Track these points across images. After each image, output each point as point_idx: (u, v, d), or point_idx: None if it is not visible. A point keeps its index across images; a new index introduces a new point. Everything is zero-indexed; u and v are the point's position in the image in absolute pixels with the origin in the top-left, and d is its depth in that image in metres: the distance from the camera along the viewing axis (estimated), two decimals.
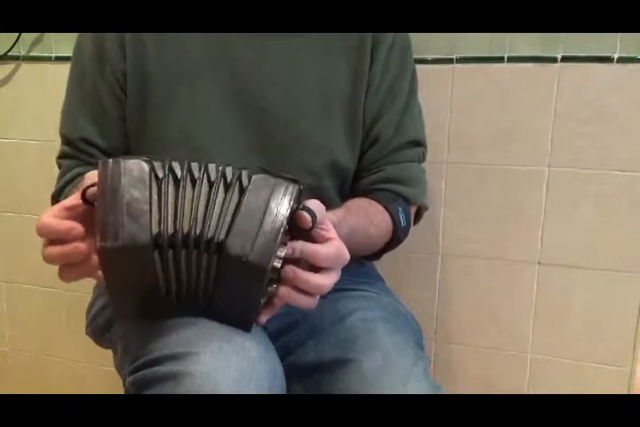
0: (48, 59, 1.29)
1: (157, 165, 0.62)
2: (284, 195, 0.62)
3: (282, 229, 0.60)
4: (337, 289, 0.85)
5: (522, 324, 1.13)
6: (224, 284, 0.63)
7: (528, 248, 1.11)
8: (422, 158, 0.95)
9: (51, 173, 1.26)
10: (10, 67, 1.32)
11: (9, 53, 1.30)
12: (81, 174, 0.84)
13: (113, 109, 0.86)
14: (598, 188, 1.05)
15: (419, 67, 0.95)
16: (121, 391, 0.75)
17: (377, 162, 0.90)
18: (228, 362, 0.63)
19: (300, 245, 0.63)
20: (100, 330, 0.89)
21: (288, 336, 0.81)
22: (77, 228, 0.60)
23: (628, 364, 1.09)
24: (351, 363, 0.74)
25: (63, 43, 1.26)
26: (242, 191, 0.63)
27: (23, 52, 1.30)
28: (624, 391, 1.09)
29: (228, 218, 0.62)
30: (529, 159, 1.08)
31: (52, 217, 0.60)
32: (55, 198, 0.88)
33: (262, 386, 0.64)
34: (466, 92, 1.09)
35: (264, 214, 0.61)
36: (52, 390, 1.45)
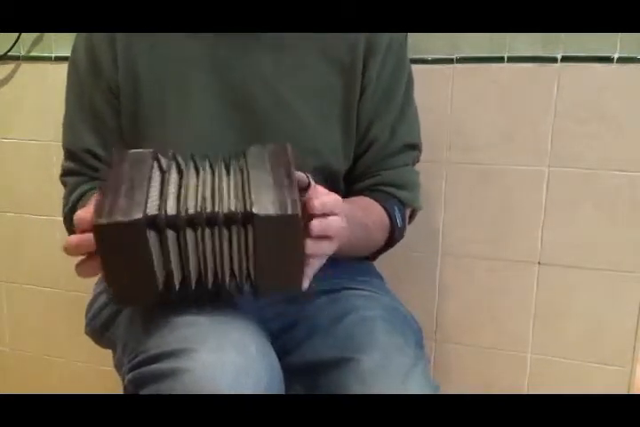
0: (48, 59, 1.29)
1: (162, 157, 0.66)
2: (281, 155, 0.67)
3: (295, 180, 0.64)
4: (336, 288, 0.86)
5: (522, 324, 1.14)
6: (263, 250, 0.63)
7: (528, 248, 1.11)
8: (416, 161, 0.95)
9: (50, 173, 1.26)
10: (10, 67, 1.32)
11: (9, 53, 1.30)
12: (88, 191, 0.85)
13: (112, 121, 0.86)
14: (598, 188, 1.05)
15: (419, 67, 0.95)
16: (121, 391, 0.75)
17: (372, 167, 0.90)
18: (225, 358, 0.63)
19: (312, 199, 0.64)
20: (99, 329, 0.89)
21: (287, 336, 0.81)
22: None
23: (628, 364, 1.09)
24: (350, 362, 0.74)
25: (63, 43, 1.26)
26: (242, 167, 0.67)
27: (23, 52, 1.30)
28: (624, 391, 1.10)
29: (241, 191, 0.64)
30: (529, 159, 1.08)
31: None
32: (68, 220, 0.87)
33: (260, 382, 0.64)
34: (466, 92, 1.09)
35: (272, 174, 0.65)
36: (52, 390, 1.45)
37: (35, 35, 1.28)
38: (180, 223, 0.62)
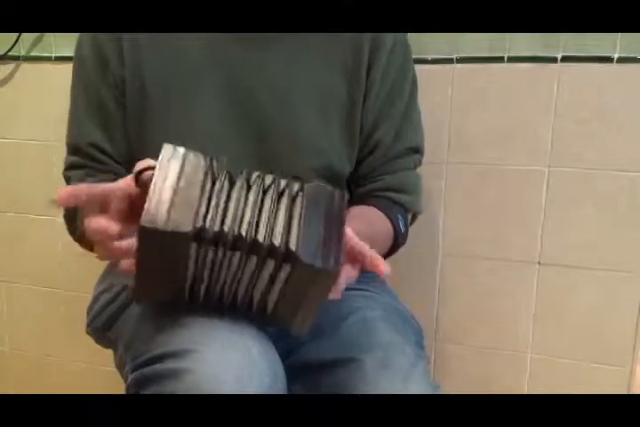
0: (48, 59, 1.28)
1: (215, 163, 0.64)
2: (337, 205, 0.64)
3: (343, 236, 0.63)
4: None
5: (522, 324, 1.13)
6: (291, 292, 0.64)
7: (528, 248, 1.11)
8: (418, 164, 0.95)
9: (50, 173, 1.26)
10: (10, 67, 1.32)
11: (9, 53, 1.30)
12: None
13: (118, 115, 0.86)
14: (598, 188, 1.05)
15: (419, 67, 0.95)
16: (121, 391, 0.75)
17: (375, 170, 0.90)
18: (229, 360, 0.63)
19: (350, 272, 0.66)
20: (100, 329, 0.89)
21: (289, 337, 0.81)
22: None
23: (628, 364, 1.09)
24: (351, 362, 0.74)
25: (63, 43, 1.26)
26: (294, 200, 0.64)
27: (23, 52, 1.30)
28: (624, 391, 1.10)
29: (287, 226, 0.62)
30: (529, 159, 1.08)
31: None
32: (69, 216, 0.85)
33: (263, 383, 0.64)
34: (466, 92, 1.09)
35: (324, 223, 0.63)
36: (51, 390, 1.45)
37: (35, 35, 1.28)
38: (223, 242, 0.61)
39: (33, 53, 1.30)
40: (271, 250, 0.61)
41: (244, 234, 0.60)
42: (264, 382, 0.64)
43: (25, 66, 1.31)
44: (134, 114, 0.85)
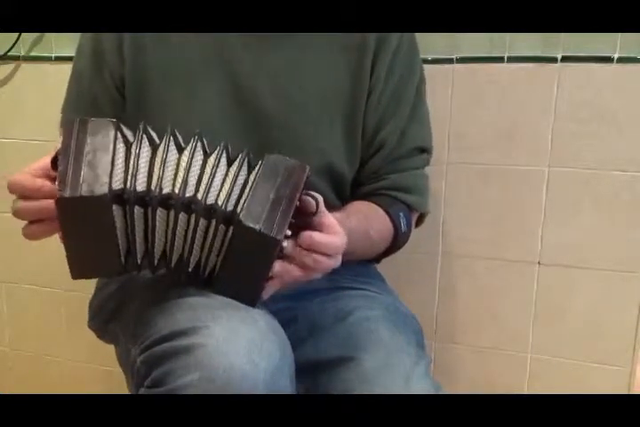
0: (48, 59, 1.29)
1: (126, 128, 0.64)
2: (296, 175, 0.64)
3: (294, 207, 0.62)
4: (338, 287, 0.86)
5: (522, 324, 1.14)
6: (232, 254, 0.64)
7: (528, 248, 1.11)
8: (426, 164, 0.94)
9: None
10: (10, 67, 1.32)
11: (9, 53, 1.30)
12: None
13: (108, 111, 0.86)
14: (598, 188, 1.05)
15: None
16: (121, 391, 0.75)
17: (380, 170, 0.90)
18: (238, 333, 0.63)
19: (311, 235, 0.64)
20: (102, 322, 0.88)
21: (289, 332, 0.81)
22: (47, 185, 0.62)
23: (628, 364, 1.09)
24: (352, 361, 0.74)
25: (63, 43, 1.26)
26: (252, 168, 0.65)
27: (23, 52, 1.30)
28: (624, 391, 1.10)
29: (239, 190, 0.63)
30: (529, 159, 1.08)
31: (25, 174, 0.62)
32: None
33: (273, 356, 0.63)
34: (466, 92, 1.09)
35: (276, 191, 0.63)
36: (52, 390, 1.45)
37: (35, 35, 1.28)
38: (150, 201, 0.61)
39: (33, 53, 1.30)
40: (212, 209, 0.62)
41: (176, 191, 0.61)
42: (274, 354, 0.64)
43: (25, 66, 1.31)
44: (134, 109, 0.86)
